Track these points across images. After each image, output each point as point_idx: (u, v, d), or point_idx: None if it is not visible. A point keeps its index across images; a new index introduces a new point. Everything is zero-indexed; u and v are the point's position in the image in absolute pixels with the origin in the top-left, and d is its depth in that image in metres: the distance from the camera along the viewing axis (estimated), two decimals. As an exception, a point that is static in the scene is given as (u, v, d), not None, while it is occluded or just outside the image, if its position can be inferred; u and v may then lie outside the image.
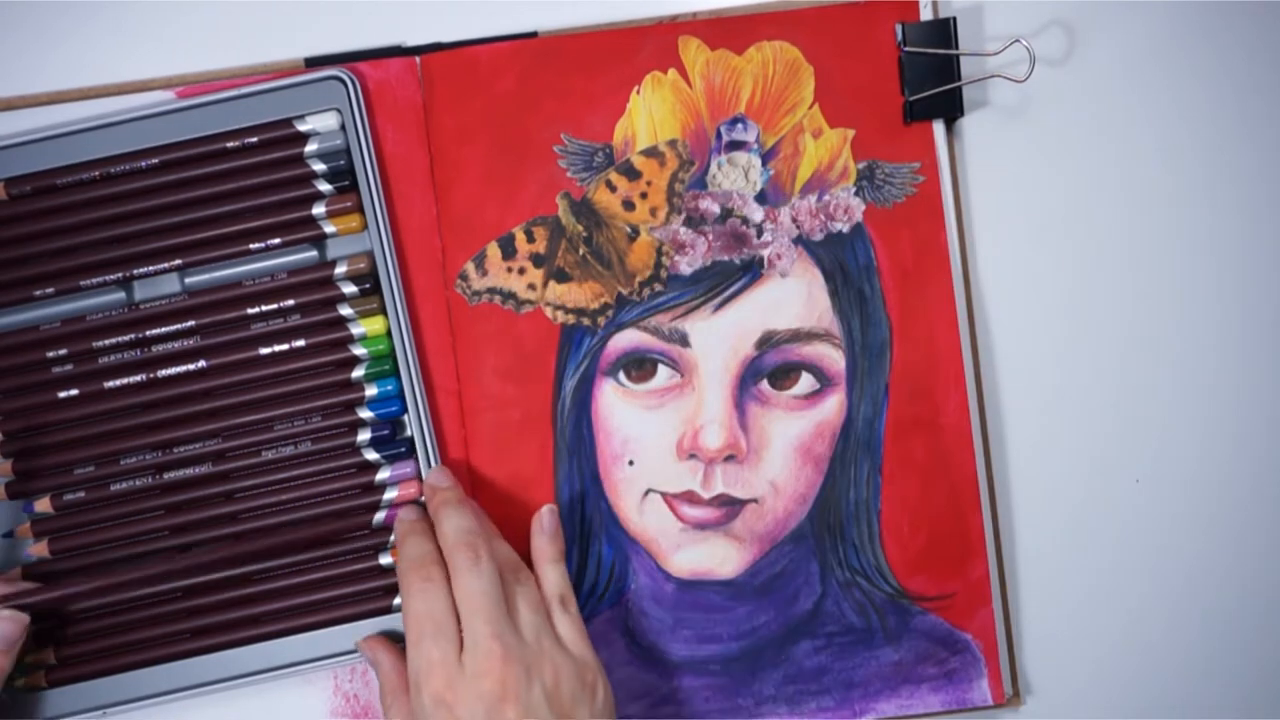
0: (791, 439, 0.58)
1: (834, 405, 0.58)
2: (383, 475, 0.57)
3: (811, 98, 0.58)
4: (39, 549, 0.57)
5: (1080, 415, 0.60)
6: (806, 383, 0.58)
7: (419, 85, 0.58)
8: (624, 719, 0.58)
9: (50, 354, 0.57)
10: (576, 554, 0.58)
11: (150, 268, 0.57)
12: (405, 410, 0.57)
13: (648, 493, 0.58)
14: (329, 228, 0.57)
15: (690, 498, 0.58)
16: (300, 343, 0.57)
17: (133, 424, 0.57)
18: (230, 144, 0.56)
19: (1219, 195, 0.60)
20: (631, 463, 0.58)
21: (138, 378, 0.57)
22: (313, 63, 0.58)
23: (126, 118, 0.56)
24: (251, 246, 0.57)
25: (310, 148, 0.57)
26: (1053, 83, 0.59)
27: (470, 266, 0.58)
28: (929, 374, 0.58)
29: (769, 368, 0.58)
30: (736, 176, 0.58)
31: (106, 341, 0.57)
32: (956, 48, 0.57)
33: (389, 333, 0.57)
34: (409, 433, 0.57)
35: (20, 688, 0.57)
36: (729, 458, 0.58)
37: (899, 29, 0.58)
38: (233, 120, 0.56)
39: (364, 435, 0.57)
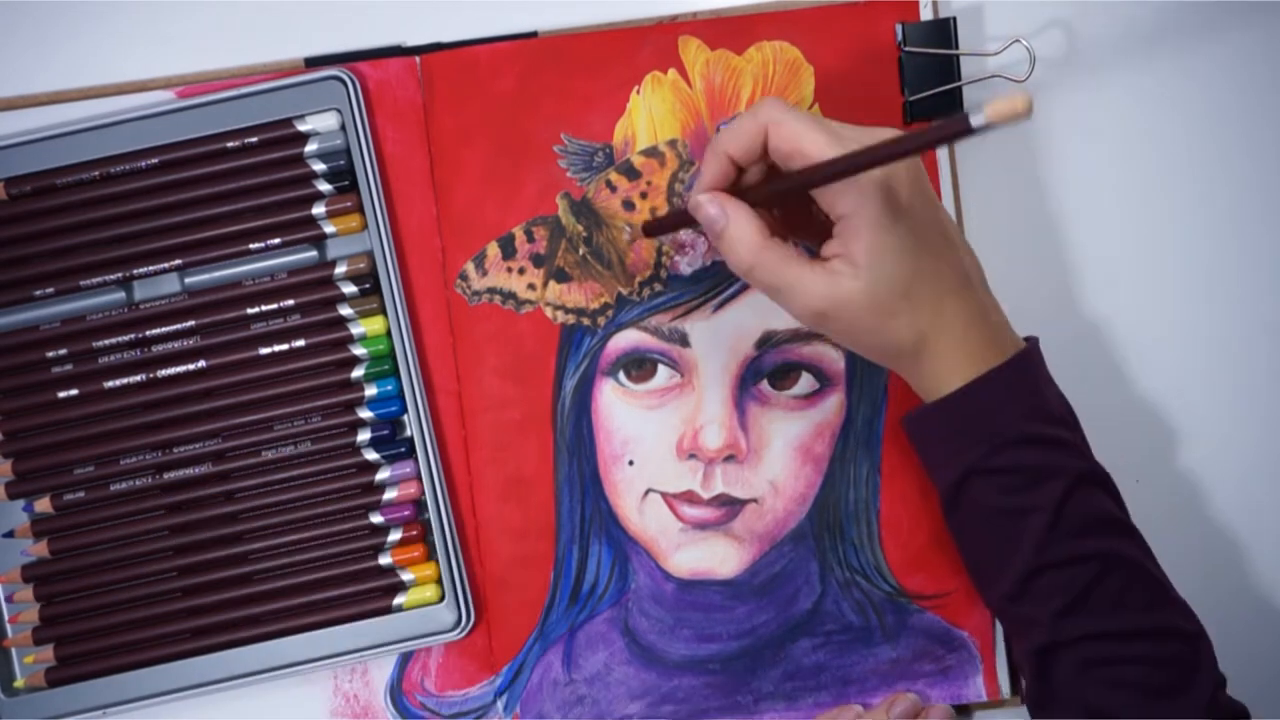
0: (791, 439, 0.58)
1: (833, 405, 0.58)
2: (382, 475, 0.57)
3: (811, 98, 0.58)
4: (39, 549, 0.57)
5: (1078, 415, 0.60)
6: (806, 383, 0.58)
7: (419, 85, 0.58)
8: (625, 718, 0.58)
9: (50, 354, 0.57)
10: (576, 554, 0.58)
11: (150, 268, 0.57)
12: (405, 410, 0.57)
13: (648, 493, 0.58)
14: (329, 228, 0.57)
15: (690, 498, 0.58)
16: (300, 343, 0.57)
17: (133, 424, 0.57)
18: (230, 144, 0.56)
19: (1218, 195, 0.60)
20: (631, 463, 0.58)
21: (138, 378, 0.57)
22: (313, 63, 0.58)
23: (126, 118, 0.56)
24: (251, 246, 0.57)
25: (310, 148, 0.57)
26: (1053, 83, 0.59)
27: (470, 266, 0.58)
28: (928, 374, 0.58)
29: (769, 368, 0.58)
30: (736, 177, 0.58)
31: (106, 341, 0.57)
32: (956, 48, 0.57)
33: (389, 333, 0.57)
34: (409, 433, 0.57)
35: (20, 688, 0.57)
36: (729, 458, 0.58)
37: (899, 29, 0.58)
38: (233, 120, 0.56)
39: (364, 435, 0.57)
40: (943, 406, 0.51)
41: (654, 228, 0.56)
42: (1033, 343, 0.53)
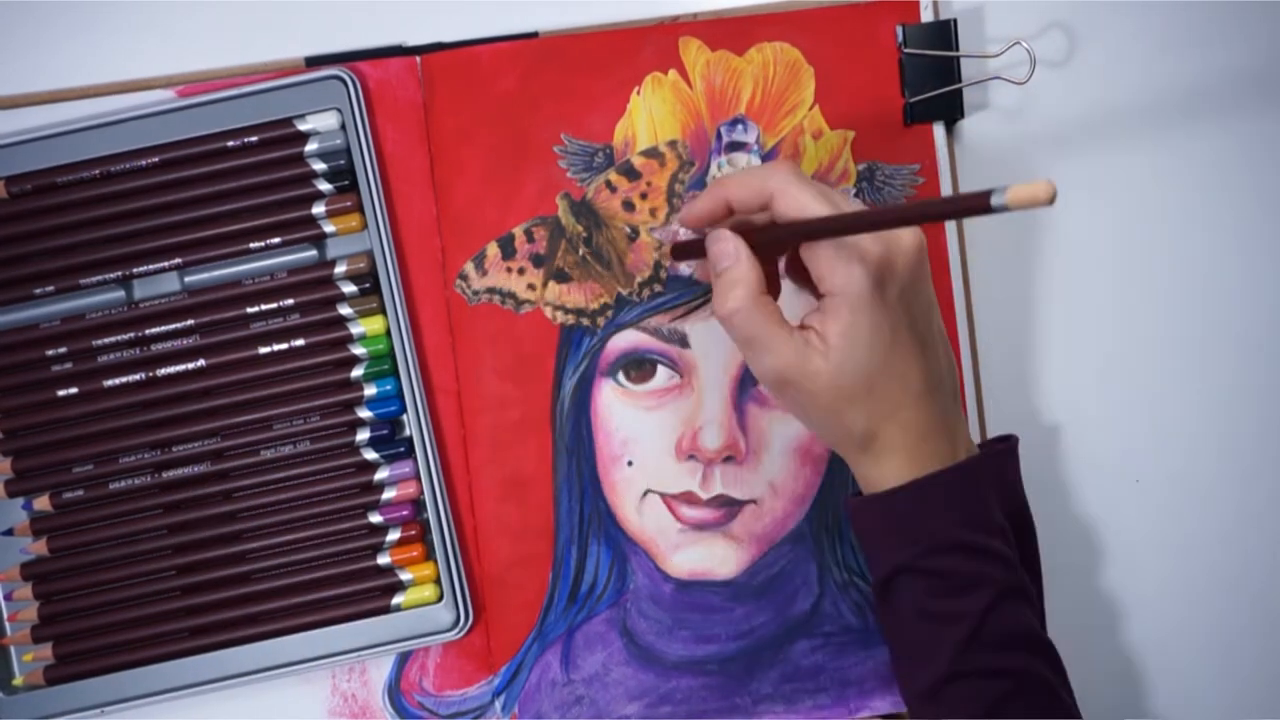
0: (790, 440, 0.58)
1: (833, 406, 0.58)
2: (381, 475, 0.57)
3: (812, 99, 0.58)
4: (38, 547, 0.57)
5: (1079, 416, 0.60)
6: (805, 384, 0.58)
7: (419, 85, 0.58)
8: (622, 719, 0.58)
9: (50, 352, 0.57)
10: (575, 554, 0.58)
11: (150, 266, 0.57)
12: (404, 410, 0.57)
13: (646, 493, 0.58)
14: (329, 227, 0.57)
15: (689, 498, 0.58)
16: (299, 342, 0.57)
17: (132, 423, 0.57)
18: (230, 143, 0.56)
19: (1218, 197, 0.60)
20: (630, 463, 0.58)
21: (137, 376, 0.57)
22: (313, 62, 0.58)
23: (127, 116, 0.56)
24: (251, 246, 0.57)
25: (310, 147, 0.57)
26: (1053, 85, 0.59)
27: (470, 266, 0.58)
28: (928, 376, 0.58)
29: (768, 369, 0.58)
30: (736, 177, 0.58)
31: (106, 340, 0.57)
32: (957, 49, 0.57)
33: (388, 332, 0.57)
34: (408, 432, 0.57)
35: (19, 686, 0.57)
36: (728, 458, 0.58)
37: (899, 30, 0.58)
38: (233, 119, 0.56)
39: (363, 435, 0.57)
40: (882, 501, 0.50)
41: (681, 252, 0.56)
42: (988, 451, 0.52)
